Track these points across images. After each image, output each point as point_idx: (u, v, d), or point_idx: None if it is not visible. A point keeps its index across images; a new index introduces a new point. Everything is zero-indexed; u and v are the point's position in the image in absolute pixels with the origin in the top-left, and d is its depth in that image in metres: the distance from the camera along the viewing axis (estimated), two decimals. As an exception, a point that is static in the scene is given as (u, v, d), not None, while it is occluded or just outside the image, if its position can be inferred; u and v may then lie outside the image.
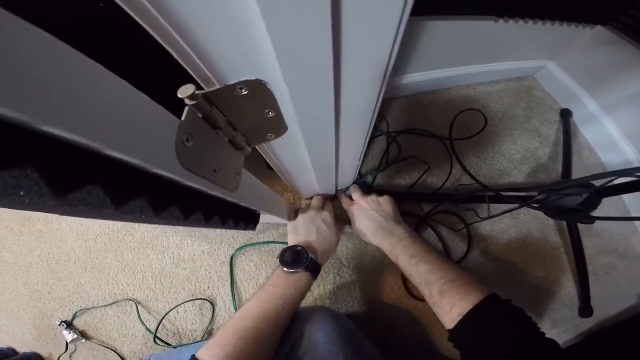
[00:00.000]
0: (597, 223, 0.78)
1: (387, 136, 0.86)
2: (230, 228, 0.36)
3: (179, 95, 0.22)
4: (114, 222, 0.84)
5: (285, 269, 0.51)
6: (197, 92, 0.23)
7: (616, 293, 0.78)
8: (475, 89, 0.97)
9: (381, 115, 0.89)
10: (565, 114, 0.93)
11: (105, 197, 0.18)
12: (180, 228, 0.81)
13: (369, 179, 0.81)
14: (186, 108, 0.23)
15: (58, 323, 0.77)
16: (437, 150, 0.86)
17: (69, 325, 0.77)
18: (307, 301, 0.73)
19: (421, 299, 0.72)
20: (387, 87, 0.33)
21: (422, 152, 0.84)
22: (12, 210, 0.89)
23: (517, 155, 0.88)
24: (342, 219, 0.74)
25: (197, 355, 0.39)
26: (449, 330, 0.44)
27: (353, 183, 0.77)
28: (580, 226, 0.77)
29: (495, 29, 0.75)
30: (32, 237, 0.87)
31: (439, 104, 0.93)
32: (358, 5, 0.20)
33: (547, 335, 0.38)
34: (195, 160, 0.23)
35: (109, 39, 0.37)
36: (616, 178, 0.52)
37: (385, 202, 0.64)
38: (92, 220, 0.85)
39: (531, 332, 0.39)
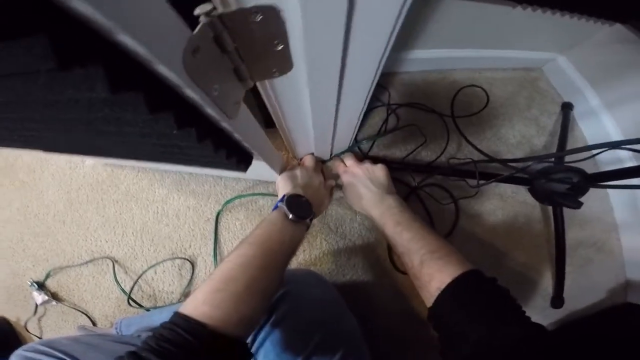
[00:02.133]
0: (582, 215, 0.81)
1: (387, 107, 0.85)
2: (220, 161, 0.35)
3: (196, 12, 0.22)
4: (99, 173, 0.81)
5: (291, 216, 0.47)
6: (213, 12, 0.23)
7: (587, 287, 0.80)
8: (480, 73, 0.96)
9: (384, 87, 0.88)
10: (566, 107, 0.93)
11: (106, 78, 0.17)
12: (167, 181, 0.78)
13: (365, 143, 0.80)
14: (200, 24, 0.23)
15: (29, 284, 0.74)
16: (435, 126, 0.86)
17: (41, 286, 0.75)
18: (292, 265, 0.73)
19: (404, 273, 0.72)
20: (393, 60, 0.32)
21: (421, 125, 0.83)
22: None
23: (513, 140, 0.88)
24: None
25: (182, 309, 0.32)
26: (429, 309, 0.42)
27: (348, 149, 0.76)
28: (565, 214, 0.79)
29: (511, 15, 0.72)
30: (12, 188, 0.83)
31: (443, 84, 0.93)
32: None
33: (541, 324, 0.36)
34: (198, 71, 0.23)
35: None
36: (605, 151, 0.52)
37: (379, 170, 0.63)
38: (76, 169, 0.82)
39: (516, 316, 0.36)
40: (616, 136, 0.85)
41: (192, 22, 0.22)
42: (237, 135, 0.34)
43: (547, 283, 0.79)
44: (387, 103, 0.86)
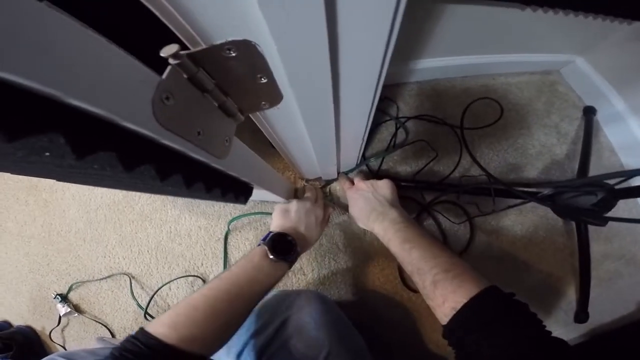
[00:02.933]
0: (608, 228, 0.75)
1: (395, 121, 0.83)
2: (217, 198, 0.35)
3: (162, 55, 0.21)
4: (115, 194, 0.84)
5: (271, 256, 0.47)
6: (181, 52, 0.22)
7: (615, 300, 0.75)
8: (494, 79, 0.92)
9: (392, 100, 0.86)
10: (589, 112, 0.88)
11: (67, 146, 0.17)
12: (179, 202, 0.80)
13: (373, 161, 0.78)
14: (169, 67, 0.22)
15: (53, 296, 0.78)
16: (448, 138, 0.83)
17: (64, 298, 0.79)
18: (301, 284, 0.72)
19: (416, 291, 0.70)
20: (401, 71, 0.31)
21: (432, 139, 0.81)
22: (21, 178, 0.90)
23: (532, 151, 0.84)
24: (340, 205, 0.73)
25: (146, 327, 0.37)
26: (443, 327, 0.41)
27: (356, 167, 0.75)
28: (590, 229, 0.74)
29: (521, 18, 0.69)
30: (37, 207, 0.89)
31: (454, 92, 0.89)
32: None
33: (563, 340, 0.35)
34: (175, 119, 0.22)
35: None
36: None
37: (383, 185, 0.61)
38: (94, 190, 0.86)
39: (537, 331, 0.35)
40: (646, 141, 0.80)
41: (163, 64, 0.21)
42: (231, 173, 0.34)
43: (570, 297, 0.75)
44: (395, 116, 0.83)
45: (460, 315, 0.38)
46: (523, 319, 0.36)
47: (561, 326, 0.73)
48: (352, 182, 0.68)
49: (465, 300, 0.38)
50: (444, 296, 0.41)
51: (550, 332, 0.35)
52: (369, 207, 0.58)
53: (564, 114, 0.89)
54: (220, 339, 0.41)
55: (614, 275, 0.76)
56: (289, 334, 0.46)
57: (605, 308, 0.74)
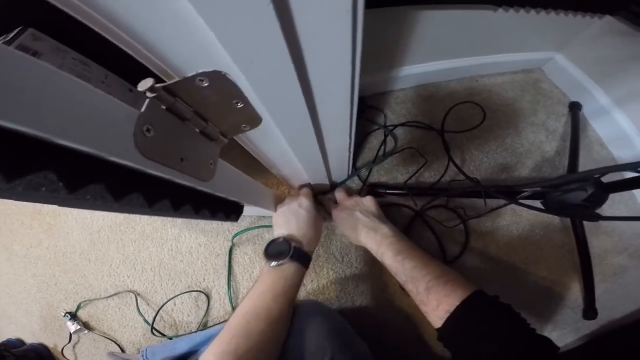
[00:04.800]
0: (606, 222, 0.76)
1: (384, 129, 0.84)
2: (206, 218, 0.37)
3: (139, 89, 0.23)
4: (116, 215, 0.86)
5: (271, 263, 0.50)
6: (156, 85, 0.23)
7: (623, 295, 0.74)
8: (478, 81, 0.94)
9: (378, 109, 0.87)
10: (575, 107, 0.89)
11: (59, 182, 0.18)
12: (178, 221, 0.82)
13: (364, 171, 0.80)
14: (147, 100, 0.23)
15: (63, 314, 0.80)
16: (436, 143, 0.84)
17: (73, 316, 0.81)
18: (301, 295, 0.73)
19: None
20: (385, 79, 0.32)
21: (420, 145, 0.82)
22: (24, 204, 0.93)
23: (521, 149, 0.85)
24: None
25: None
26: (438, 330, 0.44)
27: (348, 178, 0.77)
28: (587, 224, 0.74)
29: (496, 19, 0.72)
30: (41, 230, 0.91)
31: (439, 97, 0.91)
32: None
33: (547, 337, 0.37)
34: (157, 149, 0.24)
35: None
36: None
37: (367, 201, 0.64)
38: (96, 213, 0.88)
39: (522, 329, 0.38)
40: (632, 133, 0.81)
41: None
42: (218, 193, 0.36)
43: (576, 295, 0.74)
44: (383, 125, 0.85)
45: (455, 317, 0.41)
46: (509, 319, 0.40)
47: (569, 324, 0.72)
48: (336, 202, 0.71)
49: (457, 303, 0.41)
50: (438, 300, 0.44)
51: (534, 330, 0.38)
52: (360, 224, 0.60)
53: (550, 111, 0.91)
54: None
55: (619, 270, 0.76)
56: (292, 345, 0.47)
57: (615, 304, 0.73)
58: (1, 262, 0.91)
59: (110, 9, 0.19)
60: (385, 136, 0.83)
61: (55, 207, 0.90)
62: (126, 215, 0.85)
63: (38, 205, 0.93)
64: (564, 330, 0.71)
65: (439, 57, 0.85)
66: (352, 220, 0.62)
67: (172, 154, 0.26)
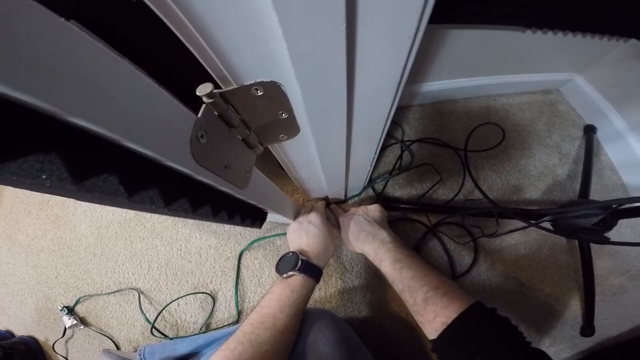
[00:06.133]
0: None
1: (401, 144, 0.85)
2: (236, 224, 0.37)
3: (197, 93, 0.23)
4: (127, 211, 0.86)
5: (281, 276, 0.52)
6: (214, 90, 0.24)
7: (621, 314, 0.76)
8: (495, 100, 0.94)
9: (397, 123, 0.88)
10: (589, 131, 0.90)
11: (120, 186, 0.19)
12: (190, 221, 0.82)
13: (380, 183, 0.80)
14: (203, 106, 0.24)
15: (60, 308, 0.79)
16: (451, 161, 0.84)
17: (70, 311, 0.79)
18: (309, 304, 0.73)
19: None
20: (405, 94, 0.33)
21: (436, 162, 0.83)
22: (33, 193, 0.92)
23: (534, 172, 0.85)
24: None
25: None
26: (432, 341, 0.43)
27: (363, 190, 0.77)
28: (593, 246, 0.75)
29: (522, 40, 0.72)
30: (48, 221, 0.90)
31: (457, 114, 0.92)
32: (373, 15, 0.20)
33: (542, 350, 0.38)
34: (208, 156, 0.24)
35: (138, 35, 0.38)
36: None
37: (373, 208, 0.65)
38: (106, 207, 0.87)
39: (517, 342, 0.38)
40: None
41: (196, 100, 0.22)
42: (251, 201, 0.36)
43: (576, 312, 0.75)
44: (400, 140, 0.85)
45: (451, 329, 0.41)
46: (506, 331, 0.39)
47: (567, 340, 0.73)
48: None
49: (455, 316, 0.41)
50: (435, 312, 0.43)
51: (530, 343, 0.38)
52: (359, 228, 0.61)
53: (565, 134, 0.91)
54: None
55: (619, 291, 0.77)
56: (302, 351, 0.48)
57: (612, 322, 0.75)
58: (2, 252, 0.90)
59: (192, 3, 0.18)
60: (402, 151, 0.83)
61: (64, 198, 0.90)
62: (137, 212, 0.85)
63: (47, 195, 0.93)
64: (562, 345, 0.72)
65: (460, 75, 0.86)
66: (353, 224, 0.62)
67: (219, 161, 0.27)
